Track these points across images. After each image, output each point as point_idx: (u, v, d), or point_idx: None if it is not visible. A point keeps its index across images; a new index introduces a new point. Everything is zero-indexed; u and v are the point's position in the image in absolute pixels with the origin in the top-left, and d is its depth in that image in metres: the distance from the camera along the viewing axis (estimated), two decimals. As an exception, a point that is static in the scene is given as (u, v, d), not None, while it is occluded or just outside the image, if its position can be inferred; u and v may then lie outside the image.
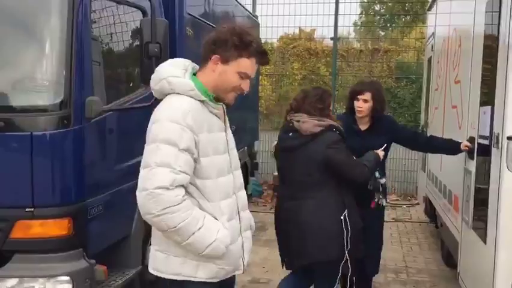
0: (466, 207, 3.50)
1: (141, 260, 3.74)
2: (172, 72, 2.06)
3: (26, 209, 2.88)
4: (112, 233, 3.46)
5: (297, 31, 13.98)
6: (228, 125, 2.23)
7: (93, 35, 3.21)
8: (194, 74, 2.12)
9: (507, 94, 2.67)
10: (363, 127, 3.82)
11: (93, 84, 3.13)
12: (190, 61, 2.14)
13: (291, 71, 13.28)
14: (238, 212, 2.19)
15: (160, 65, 2.14)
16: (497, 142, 2.75)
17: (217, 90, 2.07)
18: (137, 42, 3.52)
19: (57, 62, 2.97)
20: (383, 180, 3.65)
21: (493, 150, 2.84)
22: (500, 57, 2.82)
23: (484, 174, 3.10)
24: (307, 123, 3.21)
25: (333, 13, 8.91)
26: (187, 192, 2.01)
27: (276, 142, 3.54)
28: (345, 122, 3.62)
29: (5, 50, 3.04)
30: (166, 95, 2.06)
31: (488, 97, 3.06)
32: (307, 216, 3.18)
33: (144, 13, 3.68)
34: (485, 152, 3.07)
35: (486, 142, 3.02)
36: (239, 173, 2.26)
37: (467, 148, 3.55)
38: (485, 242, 2.96)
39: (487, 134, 2.99)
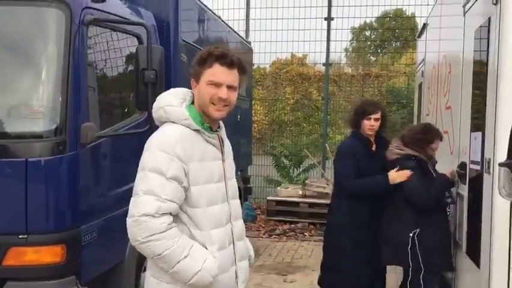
0: (460, 231, 3.52)
1: (135, 286, 3.71)
2: (169, 101, 2.11)
3: (20, 236, 2.86)
4: (105, 260, 3.43)
5: (289, 57, 14.16)
6: (227, 154, 2.25)
7: (89, 61, 3.24)
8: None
9: (497, 120, 2.71)
10: (373, 147, 4.10)
11: (88, 110, 3.15)
12: (191, 91, 2.18)
13: (284, 95, 13.40)
14: (233, 241, 2.19)
15: (162, 93, 2.20)
16: (489, 167, 2.79)
17: (203, 109, 2.10)
18: (132, 69, 3.56)
19: (52, 89, 2.99)
20: None
21: (485, 175, 2.87)
22: (489, 83, 2.88)
23: (476, 199, 3.12)
24: (389, 151, 3.86)
25: (325, 39, 9.03)
26: (179, 220, 2.04)
27: None
28: (363, 145, 4.00)
29: (1, 76, 3.06)
30: (164, 123, 2.11)
31: (478, 123, 3.11)
32: None
33: (139, 40, 3.72)
34: (477, 177, 3.10)
35: (478, 167, 3.05)
36: (237, 203, 2.26)
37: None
38: (479, 267, 2.97)
39: (479, 159, 3.02)
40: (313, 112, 13.19)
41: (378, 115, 3.99)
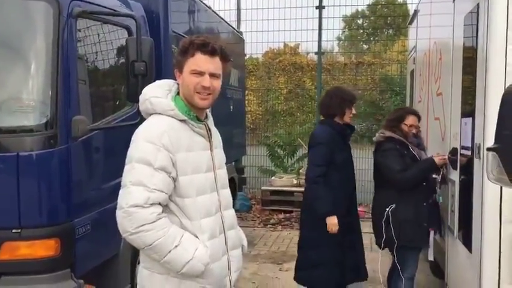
0: (452, 217, 3.55)
1: (130, 279, 3.72)
2: (155, 92, 2.13)
3: (13, 230, 2.86)
4: (100, 252, 3.44)
5: (281, 46, 14.14)
6: (216, 143, 2.25)
7: (79, 54, 3.23)
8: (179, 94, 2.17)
9: (486, 105, 2.73)
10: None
11: (79, 103, 3.14)
12: (176, 82, 2.18)
13: (277, 85, 13.39)
14: (224, 230, 2.20)
15: (147, 85, 2.21)
16: (479, 152, 2.81)
17: (188, 99, 2.11)
18: (123, 61, 3.54)
19: (42, 82, 2.98)
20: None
21: (475, 160, 2.89)
22: (478, 69, 2.89)
23: (467, 185, 3.15)
24: (377, 136, 4.09)
25: (317, 28, 9.01)
26: (169, 210, 2.06)
27: None
28: (338, 133, 4.03)
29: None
30: (150, 115, 2.12)
31: (469, 108, 3.13)
32: None
33: (129, 32, 3.70)
34: (467, 162, 3.13)
35: (468, 153, 3.08)
36: (226, 192, 2.27)
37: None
38: (470, 251, 3.00)
39: (469, 144, 3.04)
40: (306, 101, 13.21)
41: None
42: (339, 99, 3.99)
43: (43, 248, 2.91)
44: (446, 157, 3.71)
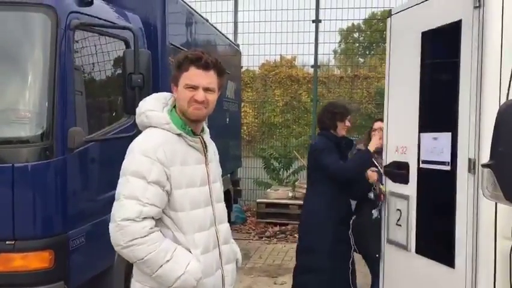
0: (405, 231, 3.44)
1: (124, 291, 3.69)
2: (151, 106, 2.14)
3: (7, 242, 2.84)
4: (94, 265, 3.41)
5: (278, 59, 14.19)
6: (211, 157, 2.26)
7: (76, 66, 3.23)
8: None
9: (482, 120, 2.74)
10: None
11: (75, 115, 3.14)
12: (173, 95, 2.20)
13: (273, 97, 13.42)
14: (219, 244, 2.20)
15: (144, 99, 2.22)
16: (473, 168, 2.80)
17: (183, 112, 2.12)
18: (120, 73, 3.55)
19: (39, 93, 2.98)
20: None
21: (468, 176, 2.86)
22: (467, 86, 2.87)
23: (437, 199, 3.18)
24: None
25: (313, 41, 9.08)
26: (162, 224, 2.06)
27: None
28: (336, 146, 4.18)
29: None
30: (146, 128, 2.14)
31: (442, 122, 3.13)
32: None
33: (127, 44, 3.71)
34: (443, 177, 3.07)
35: (443, 167, 3.04)
36: (221, 206, 2.27)
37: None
38: (452, 267, 2.95)
39: (444, 159, 3.02)
40: (302, 114, 13.23)
41: (350, 116, 4.29)
42: (330, 113, 4.22)
43: (37, 260, 2.89)
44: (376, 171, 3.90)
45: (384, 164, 3.69)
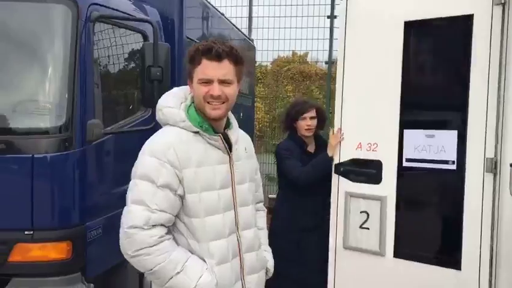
0: (375, 236, 3.17)
1: (139, 283, 3.71)
2: (167, 102, 2.00)
3: (26, 232, 2.86)
4: (110, 256, 3.40)
5: (290, 55, 14.15)
6: (238, 155, 2.07)
7: (95, 58, 3.24)
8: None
9: (505, 120, 2.71)
10: (311, 148, 3.87)
11: (94, 107, 3.15)
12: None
13: (285, 93, 13.38)
14: (240, 253, 2.02)
15: (164, 93, 2.10)
16: (495, 168, 2.77)
17: (201, 110, 1.96)
18: (138, 65, 3.55)
19: (59, 85, 2.99)
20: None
21: (485, 175, 2.82)
22: (482, 84, 2.80)
23: (433, 201, 3.09)
24: None
25: (328, 37, 9.01)
26: (177, 230, 1.93)
27: None
28: (298, 146, 3.79)
29: (8, 73, 3.06)
30: (164, 126, 2.02)
31: (447, 120, 3.01)
32: None
33: (145, 36, 3.72)
34: (442, 176, 2.99)
35: (443, 166, 2.94)
36: (248, 210, 2.09)
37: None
38: (458, 269, 2.88)
39: (447, 158, 2.93)
40: (314, 110, 13.17)
41: (312, 113, 3.80)
42: (286, 113, 3.98)
43: (55, 251, 2.91)
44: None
45: (335, 161, 3.34)
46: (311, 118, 3.80)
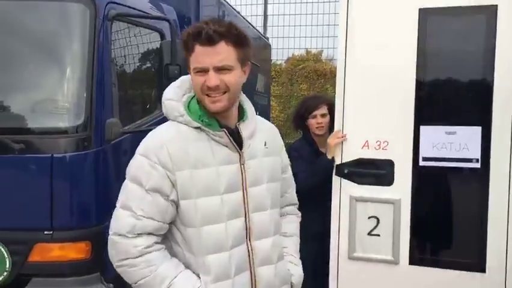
0: (374, 242, 2.95)
1: None
2: (169, 94, 1.75)
3: (45, 232, 2.85)
4: (129, 256, 3.41)
5: (304, 53, 14.08)
6: (253, 152, 1.77)
7: (113, 57, 3.22)
8: None
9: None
10: (325, 148, 3.26)
11: (113, 106, 3.13)
12: None
13: (299, 92, 13.31)
14: (252, 267, 1.74)
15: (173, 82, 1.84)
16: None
17: (201, 103, 1.71)
18: (155, 64, 3.53)
19: (78, 84, 2.97)
20: None
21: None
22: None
23: (454, 202, 2.89)
24: None
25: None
26: (173, 240, 1.71)
27: None
28: (309, 147, 3.52)
29: (26, 72, 3.05)
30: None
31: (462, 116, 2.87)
32: None
33: (162, 35, 3.70)
34: (468, 174, 2.84)
35: (467, 165, 2.80)
36: (263, 217, 1.78)
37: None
38: (483, 271, 2.78)
39: (471, 156, 2.79)
40: (329, 109, 13.09)
41: (323, 110, 3.50)
42: (295, 112, 3.71)
43: (74, 251, 2.89)
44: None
45: (337, 162, 2.99)
46: (322, 115, 3.52)
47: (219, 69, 1.64)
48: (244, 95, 1.86)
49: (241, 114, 1.81)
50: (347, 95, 3.00)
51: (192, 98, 1.74)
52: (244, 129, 1.76)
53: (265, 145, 1.84)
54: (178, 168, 1.63)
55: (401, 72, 2.90)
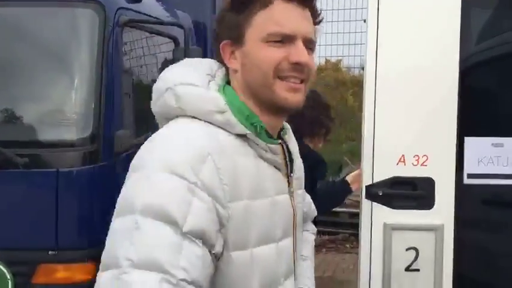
0: (411, 281, 2.50)
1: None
2: (185, 78, 1.10)
3: (50, 252, 2.68)
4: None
5: (323, 61, 13.93)
6: (297, 180, 1.26)
7: (123, 65, 3.07)
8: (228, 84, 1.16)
9: None
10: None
11: (122, 117, 2.98)
12: (219, 64, 1.19)
13: (319, 101, 13.11)
14: None
15: (167, 68, 1.22)
16: None
17: (256, 94, 1.10)
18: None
19: (85, 94, 2.82)
20: None
21: None
22: None
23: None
24: None
25: (364, 43, 8.76)
26: None
27: None
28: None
29: (30, 81, 2.91)
30: (171, 120, 1.13)
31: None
32: None
33: (176, 42, 3.54)
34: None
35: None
36: (306, 266, 1.40)
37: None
38: None
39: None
40: (349, 118, 12.88)
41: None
42: (315, 111, 2.99)
43: (81, 272, 2.72)
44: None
45: (367, 182, 2.54)
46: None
47: (307, 43, 1.10)
48: None
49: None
50: (377, 103, 2.54)
51: (223, 88, 1.13)
52: (291, 145, 1.23)
53: (299, 169, 1.32)
54: (232, 197, 0.99)
55: (441, 74, 2.46)
